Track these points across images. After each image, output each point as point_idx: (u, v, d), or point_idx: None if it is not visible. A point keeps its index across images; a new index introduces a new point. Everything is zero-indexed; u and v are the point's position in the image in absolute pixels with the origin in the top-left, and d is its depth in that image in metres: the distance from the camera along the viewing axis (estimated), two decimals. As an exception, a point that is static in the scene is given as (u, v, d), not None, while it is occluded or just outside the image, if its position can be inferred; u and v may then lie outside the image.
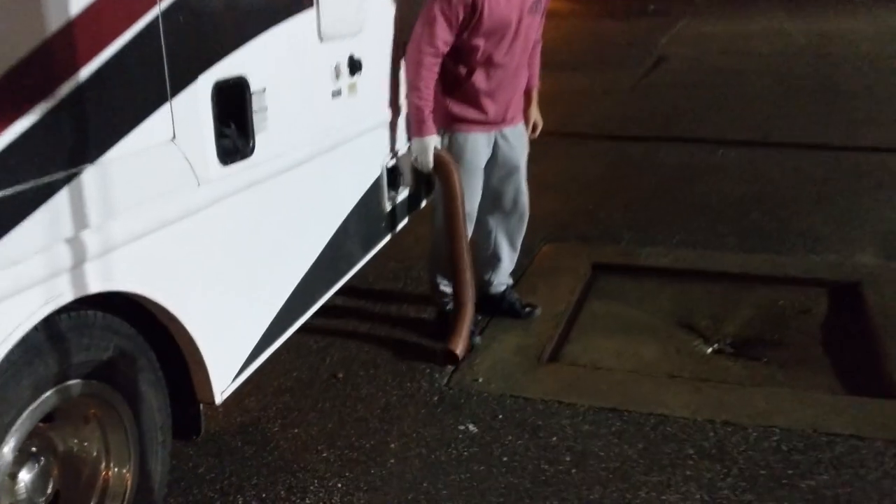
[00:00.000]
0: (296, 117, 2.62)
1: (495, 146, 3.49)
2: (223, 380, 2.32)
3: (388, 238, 3.54)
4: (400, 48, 3.36)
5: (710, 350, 3.69)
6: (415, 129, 3.27)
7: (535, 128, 3.82)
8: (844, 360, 3.53)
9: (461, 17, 3.14)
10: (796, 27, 14.13)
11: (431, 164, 3.28)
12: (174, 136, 2.05)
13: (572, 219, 5.26)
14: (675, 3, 16.98)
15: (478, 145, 3.42)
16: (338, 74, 2.88)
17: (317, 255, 2.79)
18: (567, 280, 4.31)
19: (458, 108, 3.35)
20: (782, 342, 3.72)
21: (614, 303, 4.13)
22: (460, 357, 3.39)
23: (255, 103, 2.37)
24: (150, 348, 2.15)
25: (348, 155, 3.02)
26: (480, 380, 3.32)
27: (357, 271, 3.31)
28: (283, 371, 3.38)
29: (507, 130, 3.50)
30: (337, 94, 2.89)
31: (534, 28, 3.46)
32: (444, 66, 3.24)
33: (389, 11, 3.31)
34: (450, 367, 3.38)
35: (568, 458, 2.77)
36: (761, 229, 5.01)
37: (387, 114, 3.37)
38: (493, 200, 3.66)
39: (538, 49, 3.68)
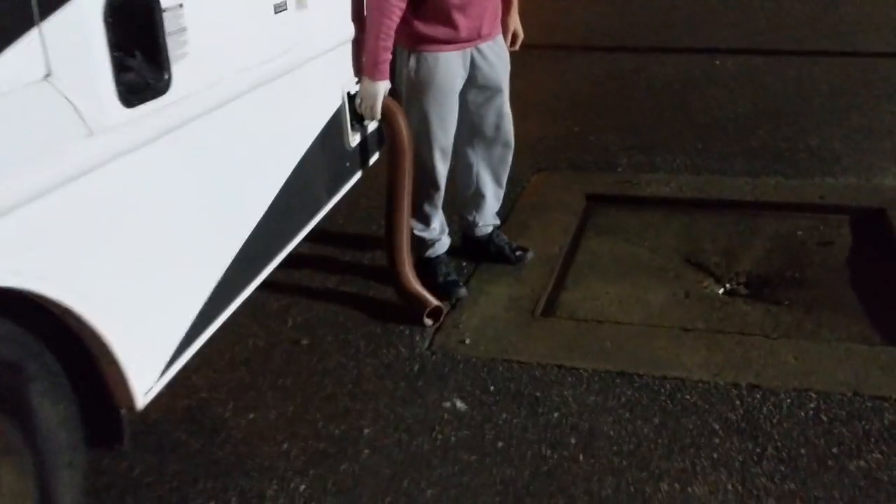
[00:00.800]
0: (226, 40, 2.07)
1: (472, 66, 2.96)
2: (145, 380, 1.84)
3: (355, 178, 3.02)
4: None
5: (721, 291, 3.26)
6: (367, 69, 2.74)
7: (514, 39, 3.27)
8: (875, 300, 3.12)
9: None
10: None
11: (378, 114, 2.79)
12: (49, 72, 1.52)
13: (561, 143, 4.76)
14: None
15: (451, 66, 2.89)
16: (280, -17, 2.32)
17: (263, 211, 2.27)
18: (560, 216, 3.84)
19: (424, 27, 2.80)
20: (804, 280, 3.30)
21: (613, 240, 3.68)
22: (445, 310, 2.97)
23: (169, 23, 1.83)
24: (44, 349, 1.67)
25: (299, 83, 2.47)
26: (467, 341, 2.88)
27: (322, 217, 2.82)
28: (238, 338, 2.91)
29: (484, 46, 2.96)
30: (281, 7, 2.33)
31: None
32: None
33: None
34: (431, 328, 2.93)
35: (573, 441, 2.35)
36: (770, 148, 4.54)
37: (347, 29, 2.80)
38: (472, 129, 3.15)
39: (514, -55, 3.13)
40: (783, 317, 3.04)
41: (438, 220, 3.22)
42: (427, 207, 3.14)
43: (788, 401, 2.48)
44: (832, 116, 4.98)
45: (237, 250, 2.15)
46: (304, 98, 2.52)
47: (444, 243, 3.26)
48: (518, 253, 3.39)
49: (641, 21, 7.73)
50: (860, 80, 5.69)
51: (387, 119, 2.82)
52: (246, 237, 2.19)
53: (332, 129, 2.73)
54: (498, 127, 3.16)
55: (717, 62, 6.26)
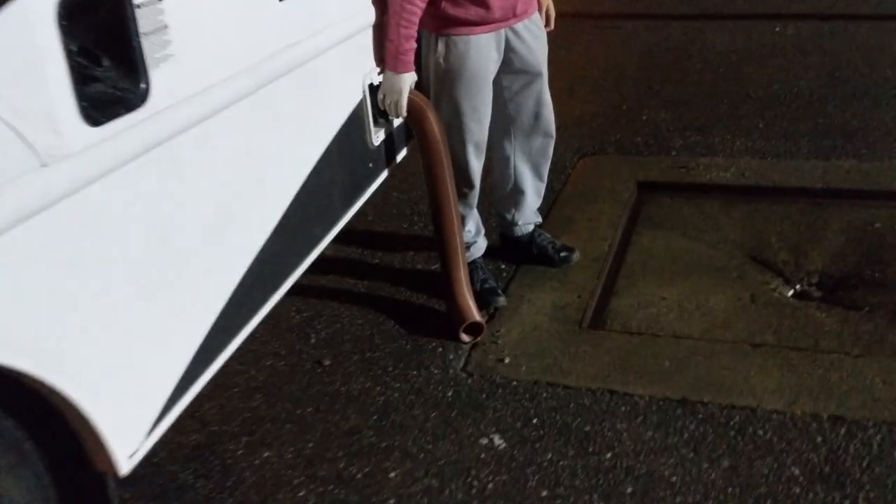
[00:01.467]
0: (219, 36, 1.77)
1: (507, 48, 2.63)
2: (129, 443, 1.58)
3: (380, 179, 2.72)
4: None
5: (791, 293, 2.91)
6: (389, 60, 2.43)
7: (547, 18, 2.91)
8: (970, 306, 2.75)
9: None
10: None
11: (405, 110, 2.48)
12: (-20, 94, 1.25)
13: (608, 123, 4.39)
14: None
15: (483, 50, 2.56)
16: (285, -35, 2.01)
17: (269, 232, 1.98)
18: (608, 207, 3.51)
19: (452, 7, 2.48)
20: (884, 281, 2.93)
21: (668, 234, 3.33)
22: (485, 324, 2.68)
23: (145, 21, 1.54)
24: (5, 416, 1.42)
25: (311, 78, 2.17)
26: (507, 360, 2.58)
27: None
28: (256, 358, 2.66)
29: (520, 26, 2.63)
30: (286, -6, 2.03)
31: None
32: None
33: None
34: (467, 344, 2.64)
35: (630, 489, 2.04)
36: (840, 126, 4.12)
37: (367, 12, 2.48)
38: (508, 120, 2.83)
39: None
40: (863, 326, 2.68)
41: (473, 221, 2.91)
42: (461, 207, 2.83)
43: (879, 437, 2.15)
44: (908, 88, 4.54)
45: (239, 279, 1.87)
46: (317, 95, 2.21)
47: (479, 246, 2.95)
48: (563, 254, 3.07)
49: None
50: (940, 47, 5.20)
51: (414, 117, 2.51)
52: (249, 263, 1.91)
53: (352, 128, 2.42)
54: (537, 115, 2.83)
55: (777, 29, 5.79)
